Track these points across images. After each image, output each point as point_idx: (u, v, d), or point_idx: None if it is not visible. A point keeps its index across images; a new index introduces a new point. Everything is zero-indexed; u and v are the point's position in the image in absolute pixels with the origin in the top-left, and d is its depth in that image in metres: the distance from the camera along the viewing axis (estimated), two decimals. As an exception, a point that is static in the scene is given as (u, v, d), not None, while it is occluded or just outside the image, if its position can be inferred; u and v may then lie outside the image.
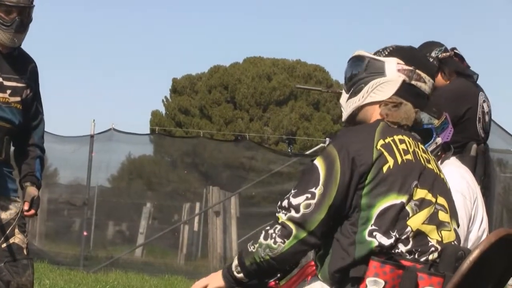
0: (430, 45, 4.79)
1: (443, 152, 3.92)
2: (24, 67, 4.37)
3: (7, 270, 4.23)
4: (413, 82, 2.86)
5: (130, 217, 16.40)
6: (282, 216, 2.68)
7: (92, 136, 12.86)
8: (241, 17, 48.98)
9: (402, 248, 2.65)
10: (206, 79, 29.90)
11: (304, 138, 26.03)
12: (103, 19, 49.26)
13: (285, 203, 2.69)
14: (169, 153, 16.22)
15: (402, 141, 2.77)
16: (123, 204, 16.13)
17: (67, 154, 14.02)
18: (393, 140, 2.75)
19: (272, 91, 28.54)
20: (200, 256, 15.00)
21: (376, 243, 2.62)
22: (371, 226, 2.64)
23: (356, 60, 2.93)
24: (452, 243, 2.75)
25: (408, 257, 2.65)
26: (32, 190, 4.33)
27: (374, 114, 2.86)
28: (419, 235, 2.68)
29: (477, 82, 4.86)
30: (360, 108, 2.88)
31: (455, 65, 4.77)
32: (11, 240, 4.27)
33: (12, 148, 4.44)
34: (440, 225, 2.74)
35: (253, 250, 2.70)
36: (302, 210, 2.66)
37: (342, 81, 3.10)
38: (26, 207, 4.25)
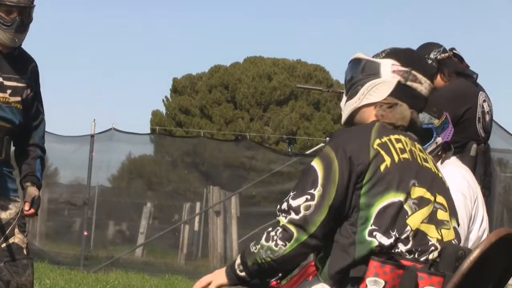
0: (428, 47, 4.80)
1: (443, 152, 3.92)
2: (24, 67, 4.36)
3: (6, 270, 4.23)
4: (408, 83, 2.87)
5: (130, 217, 16.40)
6: (282, 219, 2.69)
7: (92, 136, 12.86)
8: (241, 17, 49.02)
9: (402, 247, 2.65)
10: (206, 78, 29.89)
11: (304, 138, 26.02)
12: (103, 19, 49.29)
13: (284, 205, 2.70)
14: (170, 152, 16.22)
15: (398, 141, 2.78)
16: (124, 203, 16.13)
17: (67, 154, 14.02)
18: (390, 140, 2.76)
19: (272, 91, 28.53)
20: (200, 256, 15.00)
21: (376, 243, 2.62)
22: (371, 226, 2.64)
23: (354, 63, 2.95)
24: (452, 241, 2.76)
25: (408, 256, 2.65)
26: (32, 190, 4.33)
27: (371, 115, 2.87)
28: (419, 234, 2.68)
29: (478, 82, 4.86)
30: (357, 110, 2.90)
31: (454, 66, 4.77)
32: (11, 240, 4.26)
33: (12, 148, 4.44)
34: (439, 224, 2.74)
35: (255, 251, 2.71)
36: (302, 211, 2.66)
37: (342, 81, 3.14)
38: (26, 207, 4.25)
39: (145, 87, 47.09)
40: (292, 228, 2.66)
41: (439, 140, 3.84)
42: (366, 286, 2.59)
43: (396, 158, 2.72)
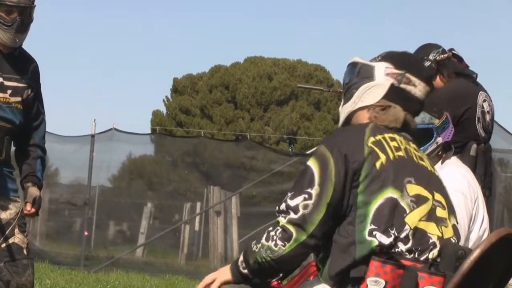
0: (427, 48, 4.81)
1: (444, 152, 3.93)
2: (25, 67, 4.36)
3: (6, 270, 4.22)
4: (402, 85, 2.88)
5: (131, 217, 16.40)
6: (282, 220, 2.70)
7: (93, 136, 12.87)
8: (241, 17, 49.02)
9: (402, 247, 2.65)
10: (207, 78, 29.90)
11: (305, 137, 26.01)
12: (104, 19, 49.28)
13: (283, 206, 2.72)
14: (170, 152, 16.23)
15: (393, 139, 2.80)
16: (124, 204, 16.13)
17: (68, 154, 14.02)
18: (384, 138, 2.78)
19: (273, 91, 28.54)
20: (201, 256, 15.00)
21: (376, 243, 2.63)
22: (370, 225, 2.65)
23: (351, 67, 2.98)
24: (451, 239, 2.76)
25: (408, 256, 2.65)
26: (33, 191, 4.32)
27: (365, 118, 2.89)
28: (418, 232, 2.69)
29: (479, 82, 4.86)
30: (353, 114, 2.92)
31: (453, 66, 4.78)
32: (11, 240, 4.26)
33: (13, 149, 4.44)
34: (439, 221, 2.75)
35: (256, 250, 2.73)
36: (301, 211, 2.68)
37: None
38: (28, 207, 4.24)
39: (146, 87, 47.09)
40: (291, 228, 2.68)
41: (440, 140, 3.85)
42: (367, 286, 2.59)
43: (391, 156, 2.74)
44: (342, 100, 2.98)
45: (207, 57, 48.97)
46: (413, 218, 2.69)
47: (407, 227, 2.67)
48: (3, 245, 4.25)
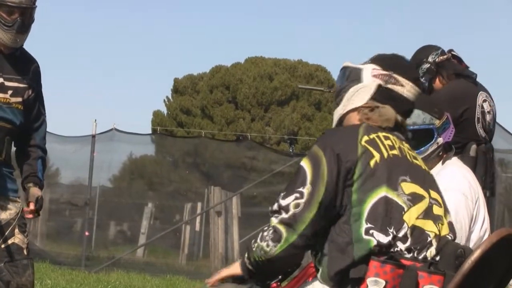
0: (426, 50, 4.81)
1: (444, 152, 3.92)
2: (26, 68, 4.36)
3: (7, 270, 4.23)
4: (389, 86, 2.89)
5: (131, 217, 16.42)
6: (273, 220, 2.72)
7: (93, 136, 12.87)
8: (242, 17, 49.01)
9: (401, 246, 2.65)
10: (207, 79, 29.90)
11: (305, 138, 26.00)
12: (104, 19, 49.27)
13: (275, 206, 2.74)
14: (171, 153, 16.24)
15: (387, 138, 2.81)
16: (125, 204, 16.14)
17: (68, 154, 14.03)
18: (378, 136, 2.79)
19: (273, 91, 28.54)
20: (201, 256, 15.01)
21: (374, 242, 2.63)
22: (366, 223, 2.65)
23: (341, 72, 3.01)
24: (448, 236, 2.76)
25: (407, 255, 2.65)
26: (35, 191, 4.33)
27: (355, 120, 2.90)
28: (416, 230, 2.69)
29: (479, 82, 4.86)
30: (344, 116, 2.94)
31: (453, 67, 4.78)
32: (10, 241, 4.26)
33: (13, 149, 4.44)
34: (435, 219, 2.75)
35: (253, 249, 2.75)
36: (292, 210, 2.69)
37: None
38: (31, 206, 4.24)
39: (146, 87, 47.09)
40: (281, 228, 2.69)
41: (440, 140, 3.85)
42: (367, 286, 2.59)
43: (386, 154, 2.74)
44: (333, 104, 3.00)
45: (207, 57, 49.01)
46: (411, 216, 2.69)
47: (405, 225, 2.67)
48: (3, 245, 4.25)
